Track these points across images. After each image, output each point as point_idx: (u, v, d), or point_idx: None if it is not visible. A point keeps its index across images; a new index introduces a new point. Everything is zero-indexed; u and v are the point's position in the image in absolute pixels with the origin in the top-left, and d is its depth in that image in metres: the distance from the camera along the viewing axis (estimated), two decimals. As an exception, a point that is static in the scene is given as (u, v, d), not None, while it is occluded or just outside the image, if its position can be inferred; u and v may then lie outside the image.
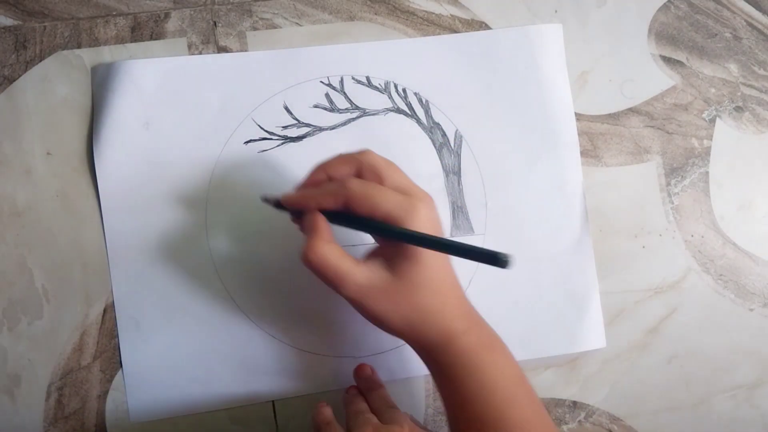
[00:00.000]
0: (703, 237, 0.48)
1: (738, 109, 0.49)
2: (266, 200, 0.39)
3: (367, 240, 0.41)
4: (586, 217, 0.47)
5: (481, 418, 0.35)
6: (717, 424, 0.47)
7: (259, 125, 0.45)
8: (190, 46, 0.45)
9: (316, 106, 0.45)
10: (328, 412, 0.39)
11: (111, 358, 0.43)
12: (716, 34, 0.50)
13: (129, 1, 0.45)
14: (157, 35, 0.45)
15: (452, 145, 0.46)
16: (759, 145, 0.49)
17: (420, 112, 0.46)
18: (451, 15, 0.47)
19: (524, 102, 0.47)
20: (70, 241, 0.43)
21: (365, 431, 0.35)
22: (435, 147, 0.46)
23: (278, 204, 0.38)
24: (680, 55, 0.49)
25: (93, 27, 0.45)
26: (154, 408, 0.43)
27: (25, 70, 0.44)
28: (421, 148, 0.46)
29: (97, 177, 0.43)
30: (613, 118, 0.48)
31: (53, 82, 0.44)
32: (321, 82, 0.45)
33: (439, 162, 0.46)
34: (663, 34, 0.49)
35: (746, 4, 0.50)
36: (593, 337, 0.46)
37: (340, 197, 0.34)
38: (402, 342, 0.40)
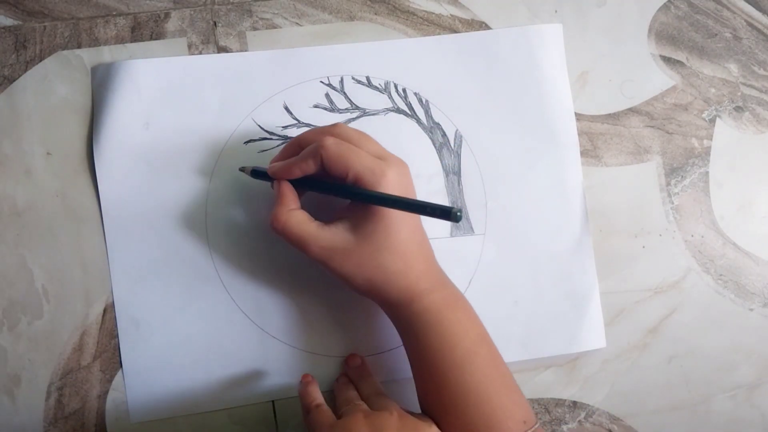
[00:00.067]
0: (703, 237, 0.48)
1: (738, 109, 0.49)
2: (242, 169, 0.42)
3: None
4: (586, 217, 0.47)
5: (442, 372, 0.37)
6: (717, 424, 0.47)
7: (259, 125, 0.45)
8: (190, 46, 0.45)
9: (316, 106, 0.45)
10: (316, 391, 0.40)
11: (111, 358, 0.43)
12: (716, 34, 0.50)
13: (129, 1, 0.45)
14: (157, 35, 0.45)
15: (452, 145, 0.46)
16: (759, 145, 0.49)
17: (420, 112, 0.46)
18: (451, 15, 0.47)
19: (524, 102, 0.47)
20: (70, 241, 0.43)
21: (356, 417, 0.36)
22: (435, 147, 0.46)
23: (254, 173, 0.41)
24: (680, 55, 0.49)
25: (93, 27, 0.45)
26: (154, 408, 0.43)
27: (25, 70, 0.44)
28: (421, 148, 0.46)
29: (97, 177, 0.43)
30: (613, 118, 0.48)
31: (53, 82, 0.44)
32: (321, 82, 0.45)
33: (439, 162, 0.46)
34: (663, 34, 0.49)
35: (746, 4, 0.50)
36: (593, 337, 0.46)
37: (317, 157, 0.36)
38: (400, 343, 0.41)
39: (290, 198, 0.38)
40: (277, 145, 0.44)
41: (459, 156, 0.46)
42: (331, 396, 0.43)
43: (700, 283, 0.48)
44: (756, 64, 0.50)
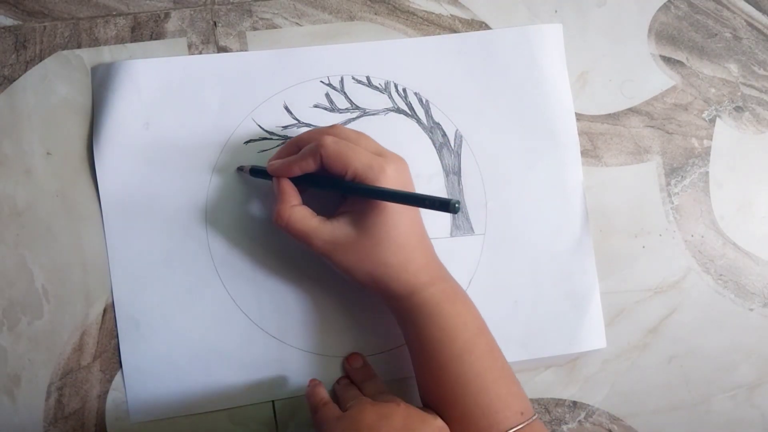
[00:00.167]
0: (703, 237, 0.48)
1: (738, 109, 0.49)
2: (240, 169, 0.43)
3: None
4: (586, 217, 0.47)
5: (441, 363, 0.37)
6: (717, 424, 0.47)
7: (259, 125, 0.45)
8: (190, 46, 0.45)
9: (316, 106, 0.45)
10: (323, 391, 0.40)
11: (111, 358, 0.43)
12: (716, 34, 0.50)
13: (129, 1, 0.45)
14: (157, 35, 0.45)
15: (452, 145, 0.46)
16: (759, 145, 0.49)
17: (420, 112, 0.46)
18: (451, 15, 0.47)
19: (524, 102, 0.47)
20: (70, 241, 0.43)
21: (363, 406, 0.36)
22: (435, 147, 0.46)
23: (253, 171, 0.42)
24: (680, 55, 0.49)
25: (93, 27, 0.45)
26: (154, 408, 0.43)
27: (25, 70, 0.44)
28: (421, 148, 0.46)
29: (97, 177, 0.43)
30: (613, 118, 0.48)
31: (53, 82, 0.44)
32: (321, 82, 0.45)
33: (439, 162, 0.46)
34: (663, 34, 0.49)
35: (746, 4, 0.50)
36: (593, 337, 0.46)
37: (317, 156, 0.37)
38: (402, 342, 0.41)
39: (292, 194, 0.39)
40: (277, 145, 0.44)
41: (459, 156, 0.46)
42: (334, 397, 0.43)
43: (700, 283, 0.48)
44: (756, 64, 0.50)
